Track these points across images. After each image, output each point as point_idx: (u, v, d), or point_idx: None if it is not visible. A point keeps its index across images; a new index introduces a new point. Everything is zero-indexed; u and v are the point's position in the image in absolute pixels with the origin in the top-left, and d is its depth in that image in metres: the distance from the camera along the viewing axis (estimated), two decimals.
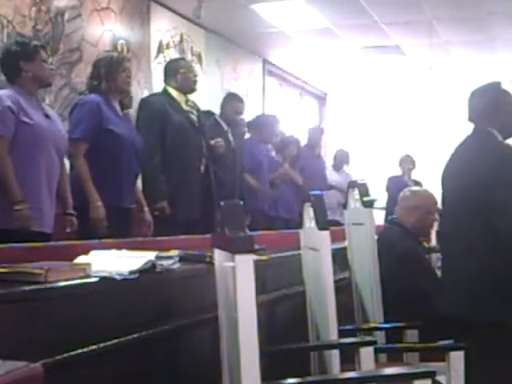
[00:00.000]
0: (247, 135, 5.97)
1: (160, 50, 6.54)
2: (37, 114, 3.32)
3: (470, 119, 2.99)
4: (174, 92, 4.46)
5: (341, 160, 7.93)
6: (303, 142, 7.16)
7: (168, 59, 6.51)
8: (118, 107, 3.85)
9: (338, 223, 5.74)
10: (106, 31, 5.72)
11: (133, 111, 4.93)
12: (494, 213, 2.71)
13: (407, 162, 8.11)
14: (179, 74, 4.48)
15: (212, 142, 4.66)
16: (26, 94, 3.32)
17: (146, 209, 3.95)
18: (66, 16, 5.23)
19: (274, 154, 6.21)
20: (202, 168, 4.49)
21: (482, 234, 2.75)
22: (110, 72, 3.79)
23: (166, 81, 4.58)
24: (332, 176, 7.49)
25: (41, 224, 3.26)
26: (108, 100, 3.78)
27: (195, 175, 4.41)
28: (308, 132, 7.34)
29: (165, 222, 4.07)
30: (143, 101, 4.60)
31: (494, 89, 3.00)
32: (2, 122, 3.15)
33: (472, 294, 2.76)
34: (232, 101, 5.37)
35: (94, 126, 3.64)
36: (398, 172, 8.15)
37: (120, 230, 3.56)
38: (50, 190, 3.36)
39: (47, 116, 3.39)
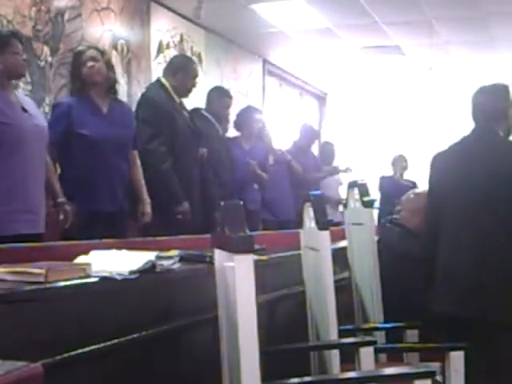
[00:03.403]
0: (236, 133, 5.85)
1: (160, 49, 6.53)
2: (14, 109, 3.17)
3: (473, 118, 2.97)
4: (170, 89, 4.33)
5: (328, 155, 7.61)
6: (294, 138, 6.90)
7: (168, 59, 6.52)
8: (101, 103, 3.70)
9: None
10: (106, 31, 5.71)
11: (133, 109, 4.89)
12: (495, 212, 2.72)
13: (400, 162, 8.06)
14: (186, 77, 4.37)
15: (200, 151, 4.52)
16: (0, 88, 3.16)
17: (144, 197, 3.82)
18: (66, 16, 5.22)
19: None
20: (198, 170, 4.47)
21: (493, 231, 2.75)
22: (74, 69, 3.72)
23: (165, 73, 4.42)
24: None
25: (33, 226, 3.17)
26: (87, 99, 3.65)
27: (195, 178, 4.38)
28: (302, 130, 6.86)
29: (172, 225, 4.04)
30: (149, 101, 4.30)
31: (503, 90, 2.99)
32: None
33: (472, 294, 2.76)
34: (222, 96, 5.22)
35: (63, 130, 3.54)
36: (391, 171, 8.11)
37: (104, 234, 3.27)
38: (38, 188, 3.24)
39: (25, 110, 3.23)
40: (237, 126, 5.76)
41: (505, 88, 3.01)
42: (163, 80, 4.39)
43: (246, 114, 5.76)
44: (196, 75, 4.52)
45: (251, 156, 5.57)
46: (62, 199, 3.43)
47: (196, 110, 4.98)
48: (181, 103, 4.42)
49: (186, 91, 4.42)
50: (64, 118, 3.58)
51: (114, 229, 3.58)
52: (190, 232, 3.73)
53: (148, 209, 3.84)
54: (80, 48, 3.88)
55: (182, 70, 4.40)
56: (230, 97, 5.31)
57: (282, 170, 6.15)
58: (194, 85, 4.45)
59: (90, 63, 3.67)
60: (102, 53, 3.84)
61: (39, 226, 3.23)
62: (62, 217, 3.40)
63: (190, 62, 4.73)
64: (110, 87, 3.79)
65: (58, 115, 3.62)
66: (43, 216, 3.27)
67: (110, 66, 3.81)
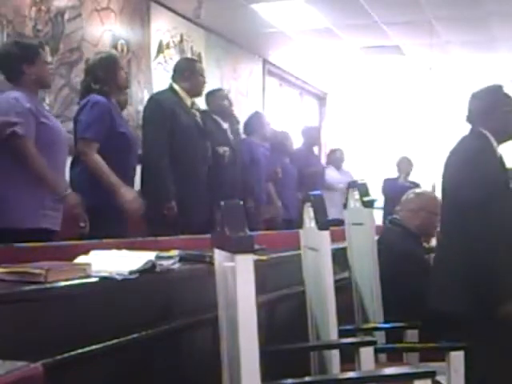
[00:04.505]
0: (243, 136, 5.97)
1: (160, 50, 6.53)
2: (48, 114, 3.39)
3: (468, 120, 3.00)
4: (181, 92, 4.42)
5: (339, 159, 7.86)
6: (299, 142, 7.14)
7: (168, 59, 6.52)
8: (118, 107, 3.88)
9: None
10: (106, 31, 5.71)
11: (132, 109, 4.92)
12: (459, 211, 2.78)
13: (405, 164, 8.04)
14: (193, 75, 4.46)
15: (220, 150, 4.63)
16: (30, 95, 3.31)
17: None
18: (66, 16, 5.22)
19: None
20: (206, 169, 4.49)
21: (467, 233, 2.78)
22: (109, 73, 3.80)
23: (174, 78, 4.53)
24: (333, 175, 7.46)
25: (55, 223, 3.32)
26: (111, 101, 3.79)
27: (200, 177, 4.41)
28: (304, 132, 7.20)
29: (170, 224, 4.07)
30: (152, 99, 4.53)
31: (494, 91, 3.01)
32: (25, 123, 3.16)
33: (470, 293, 2.76)
34: (213, 93, 5.35)
35: (106, 129, 3.65)
36: (396, 173, 8.10)
37: (119, 229, 3.58)
38: (64, 188, 3.40)
39: (54, 116, 3.50)
40: (247, 130, 5.97)
41: (495, 88, 3.02)
42: (174, 85, 4.49)
43: (256, 119, 6.09)
44: (203, 72, 4.66)
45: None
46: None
47: (204, 112, 5.02)
48: (193, 104, 4.50)
49: (198, 89, 4.54)
50: (108, 116, 3.69)
51: (127, 225, 3.75)
52: (194, 231, 3.76)
53: None
54: (113, 53, 4.14)
55: (190, 71, 4.51)
56: (221, 89, 5.63)
57: (291, 171, 6.38)
58: (204, 82, 4.58)
59: (123, 73, 3.92)
60: None
61: (59, 224, 3.37)
62: (83, 224, 3.49)
63: (194, 62, 4.93)
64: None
65: (103, 113, 3.69)
66: (61, 214, 3.41)
67: None
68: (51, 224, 3.28)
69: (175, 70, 4.61)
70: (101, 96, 3.74)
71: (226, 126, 5.13)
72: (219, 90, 5.56)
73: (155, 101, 4.43)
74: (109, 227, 3.46)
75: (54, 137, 3.31)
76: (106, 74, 3.80)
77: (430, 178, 7.51)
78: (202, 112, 4.83)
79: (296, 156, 6.69)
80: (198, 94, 4.56)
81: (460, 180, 2.83)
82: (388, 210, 6.78)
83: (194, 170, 4.34)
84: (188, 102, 4.45)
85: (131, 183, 3.85)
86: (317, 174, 6.65)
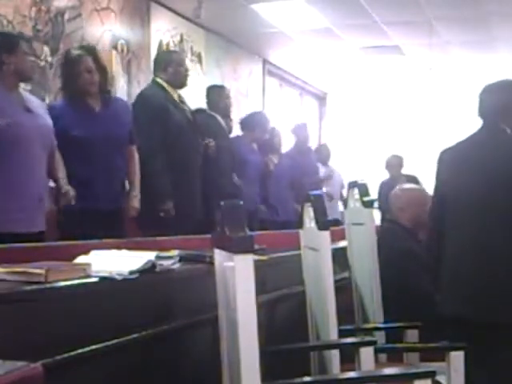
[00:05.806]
0: (240, 133, 5.91)
1: (160, 50, 6.53)
2: (16, 110, 3.19)
3: (481, 115, 2.93)
4: (165, 85, 4.31)
5: (325, 155, 7.79)
6: (291, 141, 7.03)
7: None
8: (94, 103, 3.67)
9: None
10: (106, 31, 5.72)
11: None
12: None
13: (395, 162, 7.91)
14: (170, 67, 4.33)
15: (206, 140, 4.54)
16: (5, 88, 3.18)
17: (133, 192, 3.76)
18: (66, 16, 5.23)
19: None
20: (199, 164, 4.44)
21: (502, 234, 2.72)
22: (68, 76, 3.66)
23: (155, 73, 4.42)
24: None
25: (28, 225, 3.16)
26: (78, 100, 3.63)
27: (195, 174, 4.37)
28: (294, 131, 7.03)
29: (167, 222, 4.03)
30: (142, 96, 4.38)
31: (510, 85, 2.96)
32: None
33: (476, 294, 2.75)
34: (214, 89, 5.35)
35: (56, 134, 3.46)
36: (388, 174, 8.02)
37: (102, 231, 3.29)
38: (38, 186, 3.24)
39: (29, 110, 3.24)
40: (246, 127, 5.85)
41: (508, 83, 2.97)
42: (157, 79, 4.38)
43: (258, 119, 5.92)
44: (184, 61, 4.56)
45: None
46: (66, 188, 3.37)
47: (202, 111, 4.99)
48: (180, 97, 4.41)
49: (181, 80, 4.40)
50: (56, 121, 3.50)
51: (112, 226, 3.57)
52: (190, 229, 3.73)
53: (134, 203, 3.78)
54: (72, 55, 3.70)
55: (170, 63, 4.38)
56: (222, 87, 5.52)
57: (284, 171, 6.21)
58: (186, 71, 4.47)
59: (86, 76, 3.62)
60: (93, 53, 3.74)
61: (36, 225, 3.22)
62: (73, 202, 3.33)
63: (173, 53, 4.87)
64: (102, 87, 3.75)
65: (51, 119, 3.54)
66: (42, 214, 3.27)
67: (100, 65, 3.73)
68: (23, 227, 3.10)
69: (154, 64, 4.50)
70: (63, 98, 3.62)
71: (224, 124, 5.10)
72: (220, 87, 5.49)
73: (144, 97, 4.31)
74: (92, 228, 3.31)
75: (13, 136, 3.10)
76: (65, 81, 3.68)
77: (429, 177, 7.48)
78: (198, 111, 4.80)
79: (287, 157, 6.52)
80: (181, 85, 4.40)
81: None
82: (385, 209, 6.73)
83: (187, 165, 4.27)
84: (175, 95, 4.34)
85: (103, 182, 3.61)
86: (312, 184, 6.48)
